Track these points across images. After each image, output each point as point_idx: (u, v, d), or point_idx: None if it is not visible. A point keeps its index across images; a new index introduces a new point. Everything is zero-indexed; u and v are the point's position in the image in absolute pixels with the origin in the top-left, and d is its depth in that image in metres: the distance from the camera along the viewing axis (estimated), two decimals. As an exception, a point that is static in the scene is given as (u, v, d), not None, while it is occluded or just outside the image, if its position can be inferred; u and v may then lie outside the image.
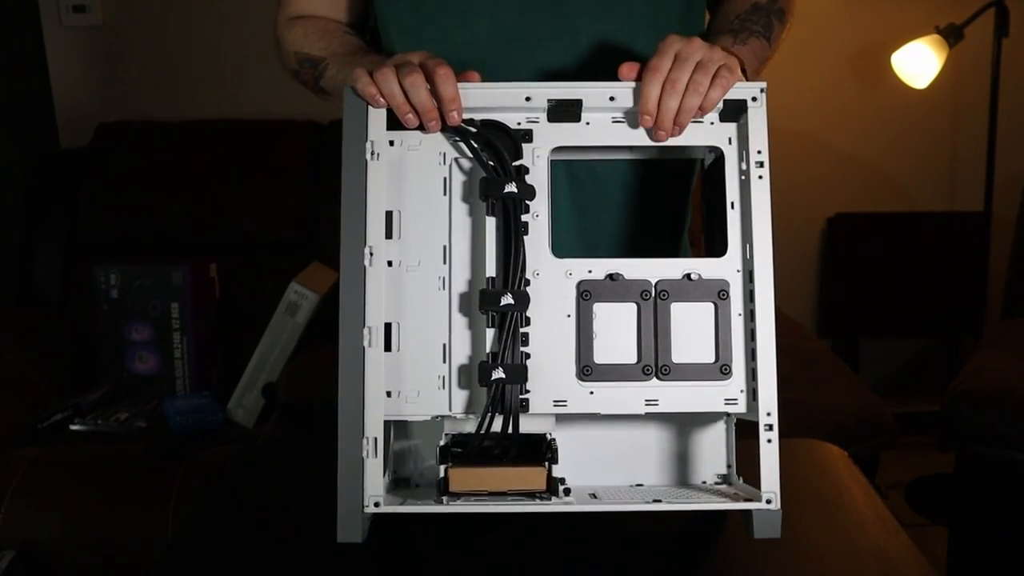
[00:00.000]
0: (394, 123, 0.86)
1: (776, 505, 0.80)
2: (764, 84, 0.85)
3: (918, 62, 2.42)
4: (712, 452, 0.95)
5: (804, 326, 2.58)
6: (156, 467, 1.76)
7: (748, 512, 0.81)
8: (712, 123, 0.87)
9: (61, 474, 1.75)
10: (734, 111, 0.86)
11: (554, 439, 0.84)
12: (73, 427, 2.00)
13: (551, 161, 0.87)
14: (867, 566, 0.89)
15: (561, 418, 0.87)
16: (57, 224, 2.39)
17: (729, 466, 0.94)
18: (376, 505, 0.81)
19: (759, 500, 0.81)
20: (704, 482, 0.95)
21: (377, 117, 0.85)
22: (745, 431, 0.88)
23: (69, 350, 2.25)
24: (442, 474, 0.82)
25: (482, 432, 0.81)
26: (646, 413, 0.84)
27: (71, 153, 2.50)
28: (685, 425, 0.96)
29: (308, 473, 1.08)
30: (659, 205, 1.10)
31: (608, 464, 0.95)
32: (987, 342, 2.21)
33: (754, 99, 0.85)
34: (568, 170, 1.06)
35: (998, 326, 2.34)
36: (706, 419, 0.96)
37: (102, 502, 1.70)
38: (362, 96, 0.84)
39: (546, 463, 0.83)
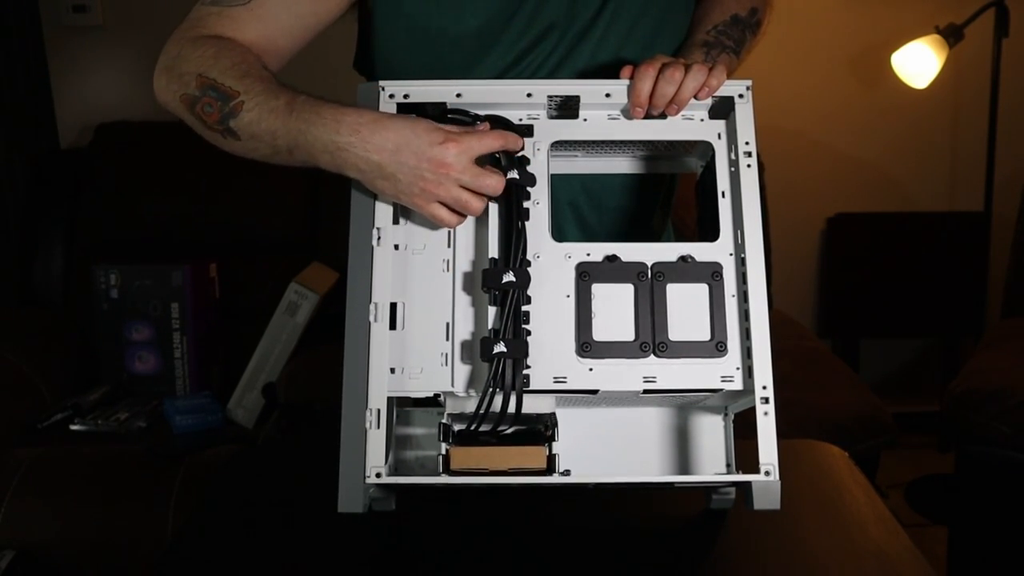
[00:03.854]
0: None
1: (774, 477, 0.81)
2: (750, 82, 0.89)
3: (918, 62, 2.42)
4: (712, 452, 0.96)
5: (804, 326, 2.58)
6: (156, 467, 1.76)
7: (747, 485, 0.82)
8: (702, 120, 0.91)
9: (61, 474, 1.75)
10: (722, 109, 0.90)
11: (554, 413, 0.85)
12: (73, 427, 2.00)
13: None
14: (868, 567, 0.89)
15: (562, 419, 0.87)
16: (57, 224, 2.39)
17: (728, 465, 0.95)
18: (378, 476, 0.82)
19: (758, 473, 0.82)
20: (704, 482, 0.95)
21: (388, 110, 0.89)
22: (744, 432, 0.88)
23: (69, 350, 2.24)
24: (444, 452, 0.83)
25: (482, 410, 0.82)
26: (644, 392, 0.85)
27: (71, 153, 2.50)
28: (685, 425, 0.96)
29: (308, 472, 1.08)
30: (646, 217, 1.16)
31: (609, 467, 0.96)
32: (987, 342, 2.21)
33: (741, 96, 0.89)
34: (572, 205, 1.11)
35: (998, 326, 2.34)
36: (705, 419, 0.96)
37: (102, 502, 1.70)
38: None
39: (546, 444, 0.84)
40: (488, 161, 0.88)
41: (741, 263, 0.86)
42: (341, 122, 0.85)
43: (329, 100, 0.88)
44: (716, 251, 0.87)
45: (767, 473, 0.81)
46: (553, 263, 0.86)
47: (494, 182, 0.84)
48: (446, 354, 0.86)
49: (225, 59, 0.94)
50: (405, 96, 0.89)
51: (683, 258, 0.87)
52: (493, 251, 0.85)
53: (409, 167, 0.83)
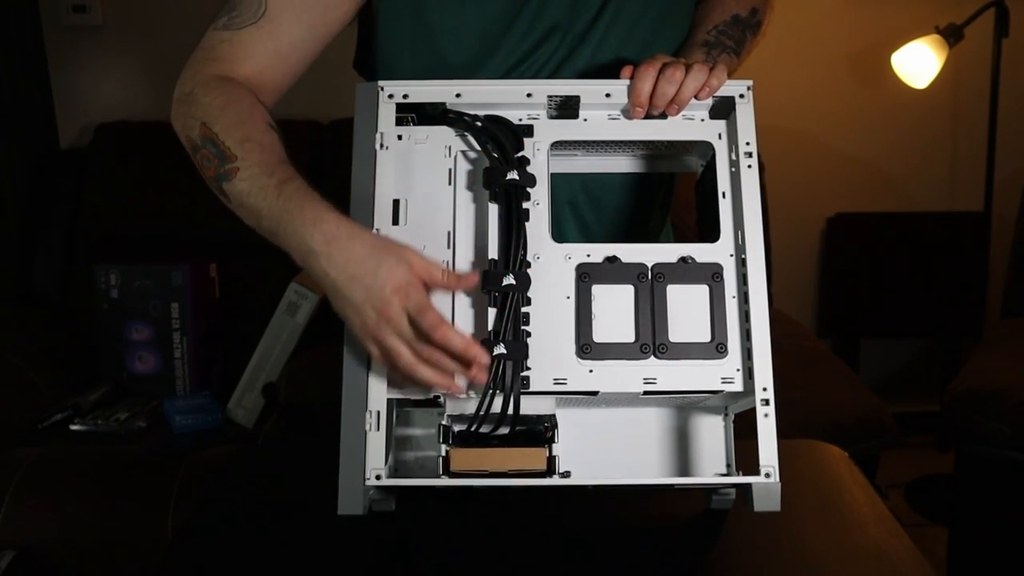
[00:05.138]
0: (402, 119, 0.90)
1: (775, 479, 0.81)
2: (751, 82, 0.89)
3: (918, 62, 2.42)
4: (712, 452, 0.96)
5: (804, 326, 2.58)
6: (156, 467, 1.76)
7: (747, 486, 0.82)
8: (703, 120, 0.91)
9: (61, 474, 1.75)
10: (723, 109, 0.90)
11: (554, 415, 0.85)
12: (73, 427, 2.00)
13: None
14: (868, 567, 0.89)
15: (561, 419, 0.87)
16: (57, 224, 2.39)
17: (729, 465, 0.95)
18: (378, 478, 0.82)
19: (758, 475, 0.82)
20: (704, 482, 0.95)
21: (387, 110, 0.89)
22: (744, 431, 0.88)
23: (69, 350, 2.24)
24: (443, 453, 0.83)
25: (482, 411, 0.82)
26: (644, 393, 0.85)
27: (71, 153, 2.50)
28: (685, 425, 0.96)
29: (308, 473, 1.08)
30: (645, 216, 1.15)
31: (609, 469, 0.96)
32: (987, 342, 2.21)
33: (741, 96, 0.89)
34: (572, 204, 1.10)
35: (998, 326, 2.34)
36: (705, 420, 0.96)
37: (102, 502, 1.70)
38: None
39: (546, 445, 0.84)
40: (488, 159, 0.87)
41: (742, 264, 0.86)
42: (317, 227, 0.82)
43: (317, 196, 0.85)
44: (717, 252, 0.87)
45: (767, 475, 0.81)
46: (553, 264, 0.86)
47: (434, 322, 0.80)
48: None
49: (231, 114, 0.92)
50: (404, 96, 0.89)
51: (683, 259, 0.87)
52: (493, 252, 0.85)
53: (358, 299, 0.81)
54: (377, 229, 0.86)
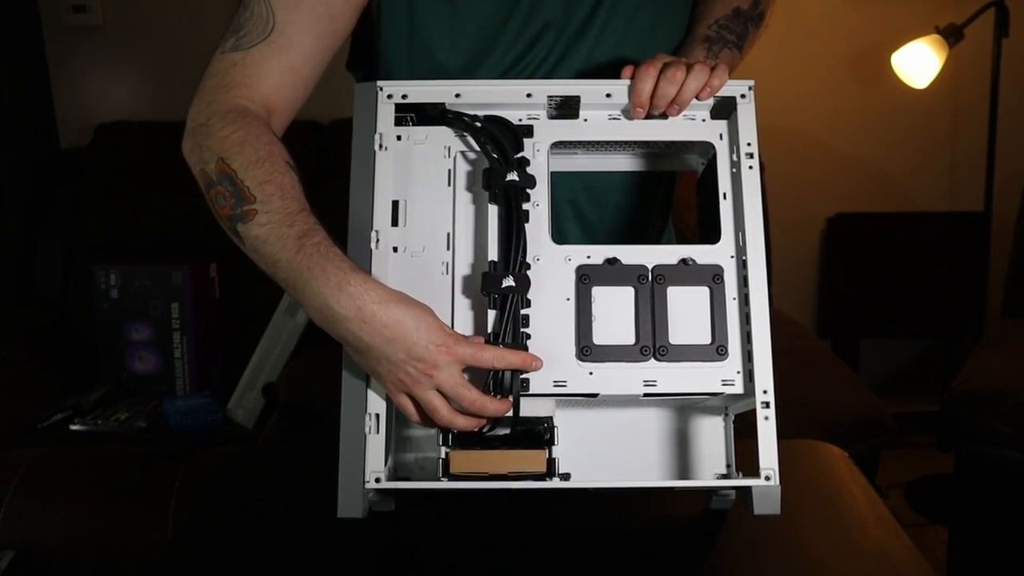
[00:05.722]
0: (401, 119, 0.90)
1: (775, 481, 0.81)
2: (752, 82, 0.88)
3: (918, 62, 2.42)
4: (712, 452, 0.95)
5: (804, 326, 2.58)
6: (156, 467, 1.76)
7: (747, 489, 0.82)
8: (704, 120, 0.90)
9: (61, 474, 1.75)
10: (724, 109, 0.90)
11: (552, 416, 0.85)
12: (73, 427, 2.00)
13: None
14: (868, 567, 0.89)
15: (561, 420, 0.87)
16: (57, 224, 2.39)
17: (729, 465, 0.95)
18: (377, 481, 0.82)
19: (758, 478, 0.82)
20: (704, 483, 0.95)
21: (386, 111, 0.89)
22: (744, 431, 0.88)
23: (69, 350, 2.24)
24: (443, 455, 0.83)
25: None
26: (645, 395, 0.85)
27: (71, 153, 2.50)
28: (685, 425, 0.96)
29: (308, 473, 1.08)
30: (647, 215, 1.14)
31: (609, 468, 0.95)
32: (987, 342, 2.21)
33: (743, 96, 0.88)
34: (573, 203, 1.10)
35: (998, 326, 2.34)
36: (705, 420, 0.96)
37: (102, 502, 1.70)
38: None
39: (546, 447, 0.84)
40: (488, 160, 0.87)
41: (742, 266, 0.85)
42: (343, 290, 0.80)
43: (339, 254, 0.83)
44: (717, 254, 0.86)
45: (767, 478, 0.81)
46: (553, 266, 0.86)
47: (473, 397, 0.81)
48: None
49: (250, 151, 0.88)
50: (403, 96, 0.89)
51: (684, 261, 0.86)
52: (492, 254, 0.85)
53: (397, 359, 0.80)
54: (376, 231, 0.86)
